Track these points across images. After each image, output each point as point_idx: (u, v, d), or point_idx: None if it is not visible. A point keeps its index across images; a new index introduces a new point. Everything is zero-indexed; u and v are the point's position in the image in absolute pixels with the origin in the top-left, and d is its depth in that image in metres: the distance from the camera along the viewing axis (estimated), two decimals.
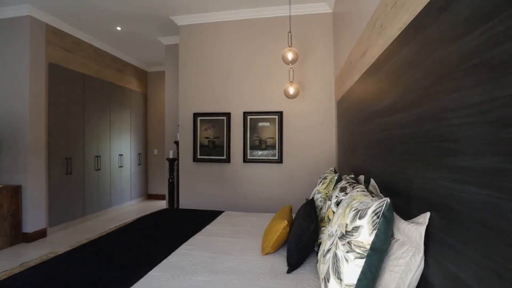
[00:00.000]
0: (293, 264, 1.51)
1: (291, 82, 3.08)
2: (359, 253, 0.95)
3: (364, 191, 1.32)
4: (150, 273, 1.53)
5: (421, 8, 1.02)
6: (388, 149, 1.40)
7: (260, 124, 3.57)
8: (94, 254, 1.80)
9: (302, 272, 1.51)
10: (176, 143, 4.09)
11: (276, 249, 1.78)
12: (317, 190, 2.07)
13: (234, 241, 2.02)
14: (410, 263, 0.92)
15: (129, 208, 5.44)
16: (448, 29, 0.84)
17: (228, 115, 3.67)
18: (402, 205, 1.18)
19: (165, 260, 1.70)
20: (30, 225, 3.58)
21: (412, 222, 0.98)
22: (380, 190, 1.48)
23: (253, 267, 1.59)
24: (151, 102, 6.28)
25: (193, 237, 2.14)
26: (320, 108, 3.48)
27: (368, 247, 0.94)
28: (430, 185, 0.95)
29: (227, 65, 3.70)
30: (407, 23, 1.16)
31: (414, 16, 1.09)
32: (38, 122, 3.67)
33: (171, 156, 4.23)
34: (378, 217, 0.94)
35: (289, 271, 1.51)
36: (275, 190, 3.56)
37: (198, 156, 3.76)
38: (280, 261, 1.67)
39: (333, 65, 3.46)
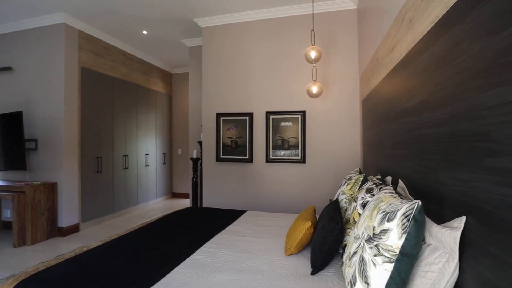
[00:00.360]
0: (318, 266, 1.49)
1: (314, 81, 3.04)
2: (388, 257, 0.92)
3: (392, 192, 1.27)
4: (176, 269, 1.57)
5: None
6: (419, 149, 1.34)
7: (283, 123, 3.55)
8: (123, 249, 1.87)
9: (327, 274, 1.49)
10: (200, 143, 4.16)
11: (299, 250, 1.76)
12: (342, 191, 2.02)
13: (257, 241, 2.02)
14: (444, 270, 0.87)
15: (155, 206, 5.62)
16: (486, 21, 0.79)
17: (250, 115, 3.68)
18: (434, 208, 1.13)
19: (189, 258, 1.73)
20: (64, 220, 3.80)
21: (446, 227, 0.93)
22: (409, 192, 1.42)
23: (276, 267, 1.58)
24: (175, 103, 6.45)
25: (216, 235, 2.16)
26: (344, 107, 3.40)
27: (397, 251, 0.90)
28: (466, 187, 0.89)
29: (250, 65, 3.72)
30: (440, 16, 1.10)
31: (448, 8, 1.03)
32: (71, 123, 3.89)
33: (194, 156, 4.32)
34: (408, 220, 0.90)
35: (313, 273, 1.48)
36: (298, 190, 3.52)
37: (221, 156, 3.81)
38: (303, 262, 1.65)
39: (357, 63, 3.37)
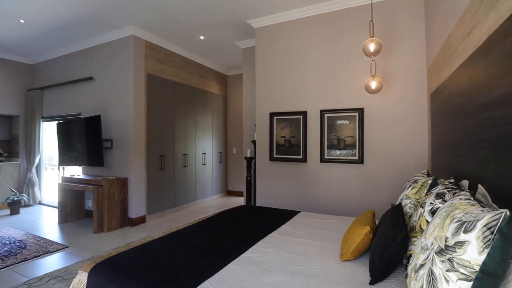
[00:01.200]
0: (377, 276, 1.37)
1: (373, 75, 2.83)
2: (464, 274, 0.79)
3: (470, 199, 1.10)
4: (229, 265, 1.60)
5: None
6: (506, 149, 1.13)
7: (338, 122, 3.39)
8: (181, 242, 1.99)
9: (387, 285, 1.36)
10: (254, 142, 4.22)
11: (356, 256, 1.65)
12: (406, 195, 1.84)
13: (310, 243, 1.96)
14: None
15: (211, 202, 5.89)
16: None
17: (304, 113, 3.60)
18: None
19: (242, 255, 1.75)
20: (134, 211, 4.22)
21: None
22: (492, 200, 1.21)
23: (330, 272, 1.51)
24: (230, 104, 6.66)
25: (269, 235, 2.16)
26: (408, 103, 3.09)
27: (477, 268, 0.77)
28: None
29: (303, 62, 3.64)
30: None
31: None
32: (139, 125, 4.30)
33: (248, 155, 4.40)
34: (492, 233, 0.76)
35: (371, 283, 1.37)
36: (355, 192, 3.32)
37: (275, 155, 3.80)
38: (361, 270, 1.53)
39: (424, 53, 3.03)
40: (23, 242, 3.51)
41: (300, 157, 3.62)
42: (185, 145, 5.28)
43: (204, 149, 5.84)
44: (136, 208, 4.25)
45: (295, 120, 3.67)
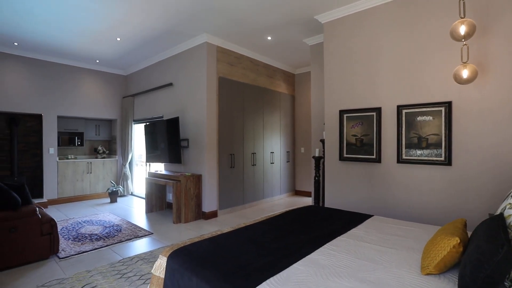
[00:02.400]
0: None
1: (464, 63, 2.43)
2: None
3: None
4: (294, 265, 1.58)
5: None
6: None
7: (419, 118, 3.02)
8: (249, 238, 2.04)
9: None
10: (322, 141, 4.09)
11: (441, 271, 1.43)
12: (510, 203, 1.52)
13: (384, 250, 1.79)
14: None
15: (279, 201, 5.93)
16: None
17: (378, 110, 3.32)
18: None
19: (308, 256, 1.71)
20: (207, 206, 4.54)
21: None
22: None
23: (408, 285, 1.34)
24: (298, 103, 6.60)
25: (338, 238, 2.05)
26: (511, 94, 2.56)
27: None
28: None
29: (376, 54, 3.36)
30: None
31: None
32: (212, 125, 4.60)
33: (317, 154, 4.28)
34: None
35: None
36: (439, 198, 2.91)
37: (345, 155, 3.61)
38: (447, 287, 1.33)
39: None
40: (119, 226, 4.11)
41: (374, 157, 3.35)
42: (253, 144, 5.43)
43: (272, 148, 5.92)
44: (209, 203, 4.56)
45: (368, 117, 3.41)
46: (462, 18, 2.27)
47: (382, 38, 3.31)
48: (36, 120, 5.77)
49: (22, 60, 5.30)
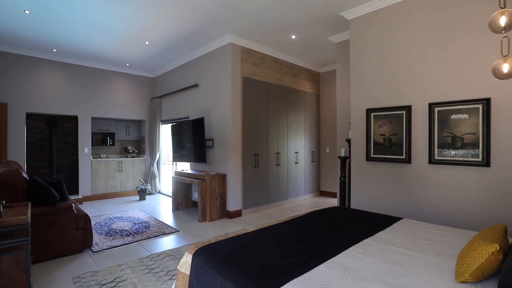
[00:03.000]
0: None
1: (504, 56, 2.25)
2: None
3: None
4: (319, 267, 1.55)
5: None
6: None
7: (454, 116, 2.84)
8: (272, 237, 2.04)
9: None
10: (348, 141, 3.98)
11: (478, 279, 1.34)
12: None
13: (414, 255, 1.71)
14: None
15: (303, 202, 5.86)
16: None
17: (408, 108, 3.17)
18: None
19: (334, 258, 1.67)
20: (231, 205, 4.59)
21: None
22: None
23: None
24: (323, 102, 6.48)
25: (364, 240, 1.99)
26: None
27: None
28: None
29: (405, 50, 3.21)
30: None
31: None
32: (236, 125, 4.64)
33: (342, 154, 4.17)
34: None
35: None
36: (476, 201, 2.72)
37: (372, 155, 3.49)
38: None
39: None
40: (147, 223, 4.27)
41: (403, 157, 3.21)
42: (278, 144, 5.41)
43: (296, 148, 5.86)
44: (233, 202, 4.60)
45: (397, 115, 3.27)
46: (502, 8, 2.10)
47: (412, 33, 3.16)
48: (73, 121, 6.16)
49: (60, 65, 5.67)
